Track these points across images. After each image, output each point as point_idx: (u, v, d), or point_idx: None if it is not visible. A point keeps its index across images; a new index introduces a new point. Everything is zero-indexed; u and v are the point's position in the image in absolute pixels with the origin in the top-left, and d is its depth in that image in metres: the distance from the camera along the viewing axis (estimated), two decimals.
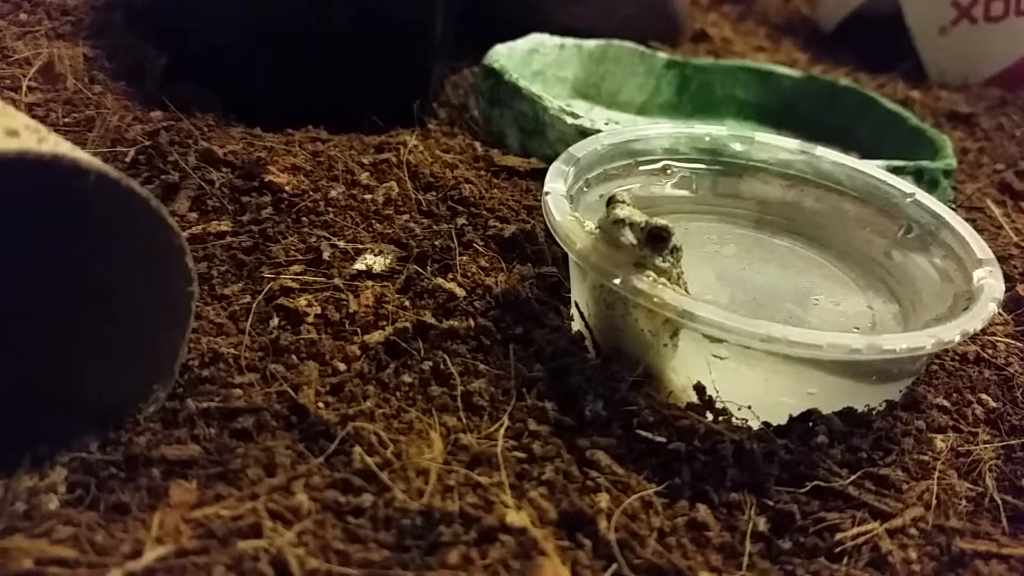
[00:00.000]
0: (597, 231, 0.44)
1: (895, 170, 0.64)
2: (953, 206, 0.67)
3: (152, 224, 0.37)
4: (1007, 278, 0.61)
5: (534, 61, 0.76)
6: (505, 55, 0.72)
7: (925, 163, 0.65)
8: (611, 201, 0.44)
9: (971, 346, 0.53)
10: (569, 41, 0.77)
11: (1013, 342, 0.55)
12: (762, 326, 0.40)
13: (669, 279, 0.43)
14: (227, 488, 0.37)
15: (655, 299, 0.41)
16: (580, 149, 0.53)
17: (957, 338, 0.42)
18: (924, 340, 0.41)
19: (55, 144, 0.33)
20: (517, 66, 0.74)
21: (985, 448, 0.45)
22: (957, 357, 0.53)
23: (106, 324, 0.41)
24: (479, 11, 0.78)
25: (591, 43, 0.78)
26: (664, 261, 0.43)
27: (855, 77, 0.90)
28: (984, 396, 0.49)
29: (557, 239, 0.45)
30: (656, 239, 0.43)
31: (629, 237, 0.43)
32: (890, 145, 0.74)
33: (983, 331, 0.56)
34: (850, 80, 0.89)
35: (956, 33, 0.93)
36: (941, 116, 0.84)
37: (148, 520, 0.34)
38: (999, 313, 0.58)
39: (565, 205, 0.47)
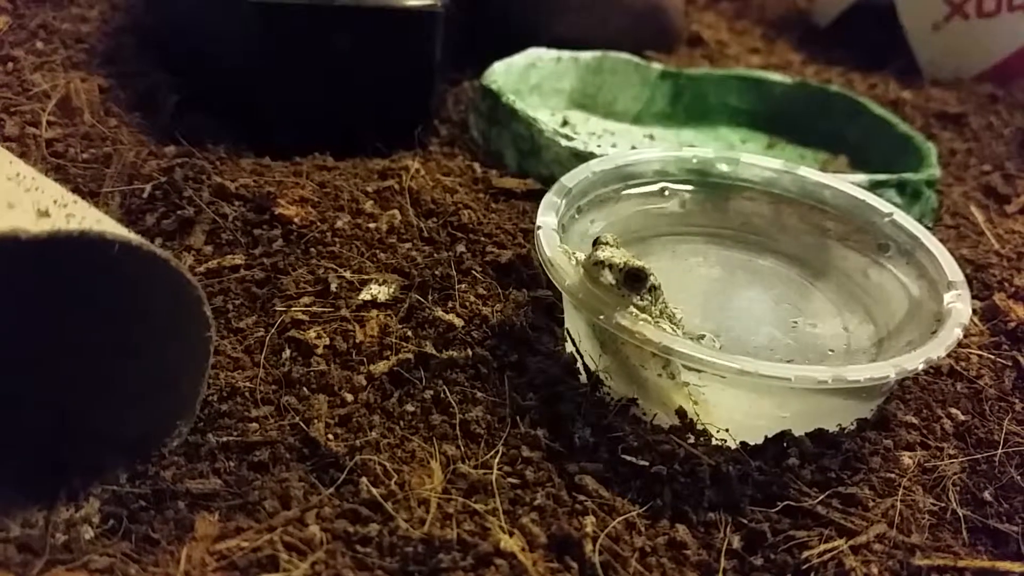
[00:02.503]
0: (581, 270, 0.47)
1: (878, 183, 0.67)
2: (930, 219, 0.69)
3: (173, 279, 0.41)
4: (985, 286, 0.64)
5: (532, 75, 0.78)
6: (503, 72, 0.75)
7: (908, 175, 0.68)
8: (596, 242, 0.47)
9: (945, 360, 0.56)
10: (566, 54, 0.80)
11: (985, 354, 0.57)
12: (736, 360, 0.43)
13: (650, 316, 0.46)
14: (246, 520, 0.40)
15: (637, 335, 0.44)
16: (571, 179, 0.56)
17: (920, 367, 0.45)
18: (887, 370, 0.44)
19: (81, 220, 0.36)
20: (515, 81, 0.77)
21: (951, 463, 0.48)
22: (931, 371, 0.55)
23: (134, 366, 0.45)
24: (479, 26, 0.81)
25: (587, 55, 0.80)
26: (642, 300, 0.46)
27: (848, 77, 0.92)
28: (954, 410, 0.52)
29: (549, 275, 0.48)
30: (633, 280, 0.46)
31: (608, 278, 0.46)
32: (879, 151, 0.77)
33: (957, 343, 0.59)
34: (843, 81, 0.92)
35: (949, 29, 0.95)
36: (931, 116, 0.86)
37: (177, 553, 0.38)
38: (974, 323, 0.61)
39: (556, 239, 0.50)
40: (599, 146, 0.66)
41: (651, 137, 0.79)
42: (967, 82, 0.94)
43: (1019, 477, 0.48)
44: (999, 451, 0.49)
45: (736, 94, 0.81)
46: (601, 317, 0.45)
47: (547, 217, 0.52)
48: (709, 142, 0.80)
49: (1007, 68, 0.95)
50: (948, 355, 0.56)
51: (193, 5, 0.67)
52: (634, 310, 0.46)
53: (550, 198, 0.54)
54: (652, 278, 0.47)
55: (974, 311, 0.62)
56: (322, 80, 0.65)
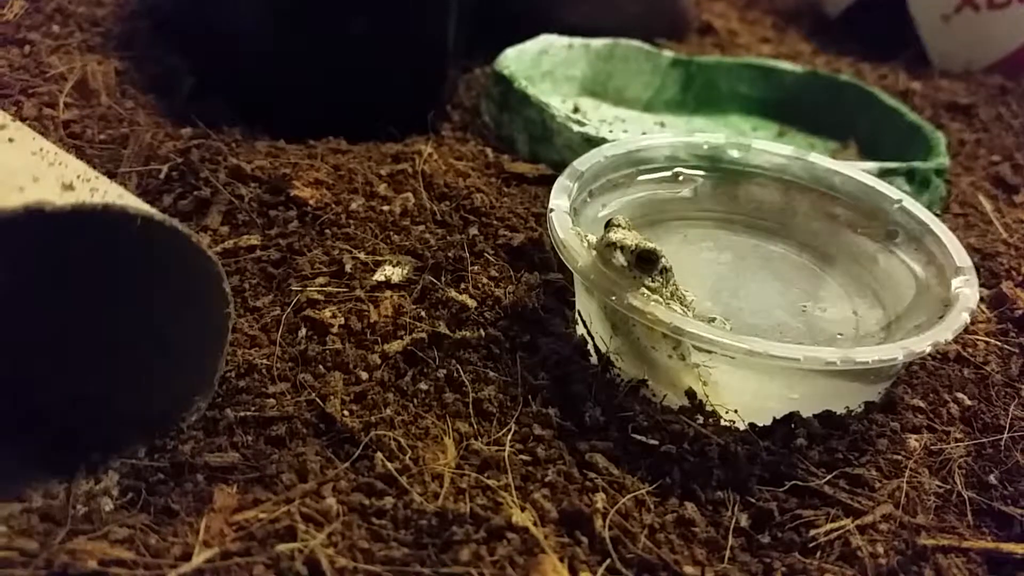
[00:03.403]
0: (593, 252, 0.47)
1: (887, 171, 0.67)
2: (939, 207, 0.70)
3: (194, 255, 0.41)
4: (992, 275, 0.64)
5: (543, 62, 0.79)
6: (515, 59, 0.75)
7: (917, 164, 0.68)
8: (608, 224, 0.48)
9: (952, 345, 0.56)
10: (577, 41, 0.80)
11: (993, 340, 0.58)
12: (746, 341, 0.44)
13: (661, 297, 0.47)
14: (264, 492, 0.41)
15: (648, 315, 0.45)
16: (583, 163, 0.57)
17: (928, 349, 0.45)
18: (896, 352, 0.44)
19: (104, 194, 0.37)
20: (527, 67, 0.77)
21: (957, 447, 0.49)
22: (938, 356, 0.56)
23: (153, 341, 0.45)
24: (491, 12, 0.81)
25: (599, 42, 0.81)
26: (653, 281, 0.47)
27: (858, 68, 0.93)
28: (960, 395, 0.53)
29: (561, 256, 0.49)
30: (645, 261, 0.46)
31: (620, 259, 0.46)
32: (888, 140, 0.77)
33: (964, 329, 0.59)
34: (853, 71, 0.92)
35: (959, 20, 0.95)
36: (940, 107, 0.87)
37: (195, 524, 0.39)
38: (981, 311, 0.61)
39: (568, 222, 0.51)
40: (611, 131, 0.67)
41: (662, 124, 0.80)
42: (977, 73, 0.94)
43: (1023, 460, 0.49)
44: (1004, 435, 0.50)
45: (747, 82, 0.82)
46: (613, 298, 0.46)
47: (560, 200, 0.52)
48: (719, 129, 0.80)
49: (1017, 60, 0.95)
50: (955, 341, 0.57)
51: None
52: (645, 291, 0.46)
53: (562, 181, 0.54)
54: (663, 260, 0.47)
55: (981, 299, 0.62)
56: (336, 65, 0.66)
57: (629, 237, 0.47)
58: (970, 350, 0.57)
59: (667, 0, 0.88)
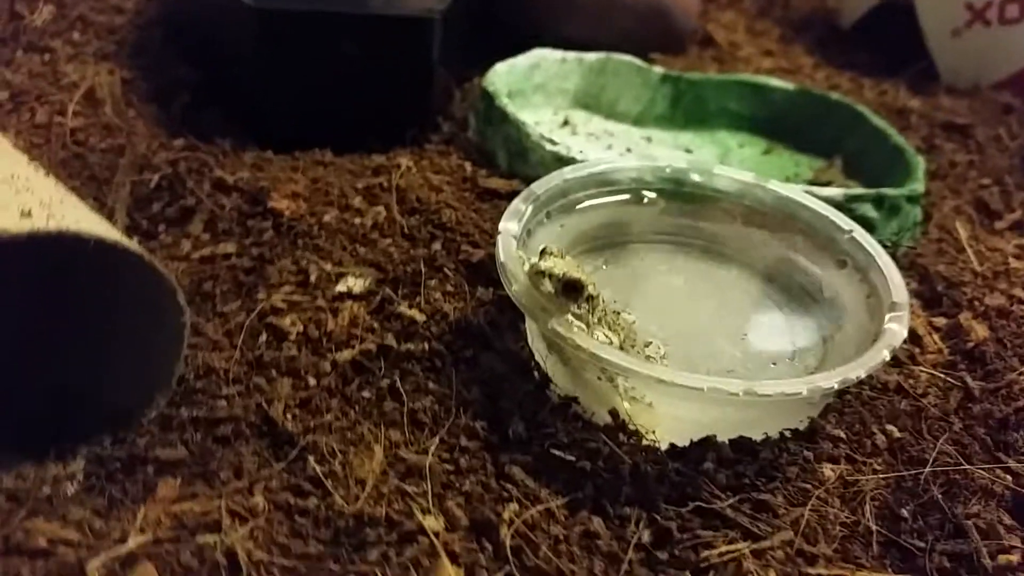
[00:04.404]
0: (526, 278, 0.51)
1: (855, 197, 0.68)
2: (910, 234, 0.70)
3: (149, 272, 0.46)
4: (954, 304, 0.65)
5: (535, 75, 0.81)
6: (505, 73, 0.78)
7: (886, 190, 0.69)
8: (542, 252, 0.51)
9: (893, 375, 0.58)
10: (571, 55, 0.82)
11: (938, 373, 0.59)
12: (655, 369, 0.47)
13: (587, 325, 0.50)
14: (203, 487, 0.46)
15: (568, 341, 0.48)
16: (541, 185, 0.59)
17: (835, 385, 0.47)
18: (800, 387, 0.47)
19: (60, 219, 0.41)
20: (519, 80, 0.80)
21: (873, 478, 0.51)
22: (879, 386, 0.57)
23: (121, 343, 0.50)
24: (487, 26, 0.84)
25: (591, 56, 0.83)
26: (579, 308, 0.50)
27: (858, 82, 0.93)
28: (890, 426, 0.54)
29: (500, 278, 0.52)
30: (570, 290, 0.49)
31: (548, 287, 0.49)
32: (872, 161, 0.78)
33: (911, 360, 0.61)
34: (852, 86, 0.92)
35: (969, 35, 0.95)
36: (937, 126, 0.86)
37: (137, 511, 0.44)
38: (934, 342, 0.63)
39: (512, 245, 0.54)
40: (580, 151, 0.69)
41: (649, 139, 0.82)
42: (984, 90, 0.94)
43: (940, 496, 0.50)
44: (926, 469, 0.51)
45: (736, 99, 0.83)
46: (540, 322, 0.49)
47: (509, 223, 0.55)
48: (706, 145, 0.82)
49: None
50: (897, 372, 0.59)
51: (205, 7, 0.72)
52: (570, 318, 0.49)
53: (516, 204, 0.57)
54: (590, 288, 0.50)
55: (939, 329, 0.64)
56: (324, 82, 0.69)
57: (558, 265, 0.50)
58: (911, 381, 0.58)
59: (660, 15, 0.89)
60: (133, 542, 0.42)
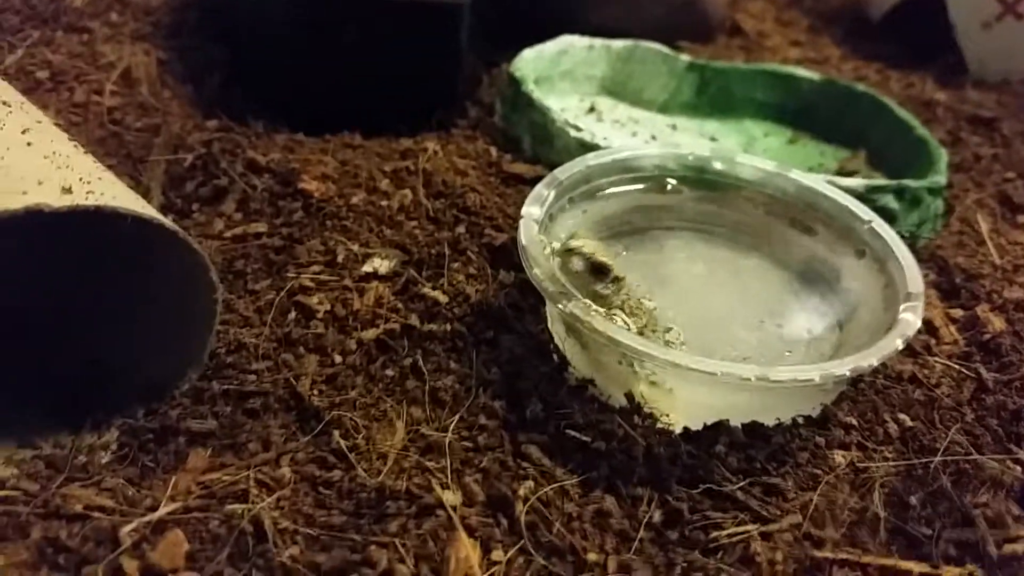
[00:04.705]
0: (555, 257, 0.52)
1: (876, 188, 0.69)
2: (931, 226, 0.71)
3: (183, 249, 0.48)
4: (972, 296, 0.66)
5: (563, 61, 0.82)
6: (533, 59, 0.79)
7: (907, 181, 0.69)
8: (573, 235, 0.52)
9: (907, 365, 0.59)
10: (598, 42, 0.83)
11: (952, 364, 0.60)
12: (670, 353, 0.48)
13: (610, 305, 0.51)
14: (232, 458, 0.48)
15: (587, 324, 0.49)
16: (564, 171, 0.60)
17: (847, 373, 0.48)
18: (812, 373, 0.48)
19: (99, 196, 0.43)
20: (547, 67, 0.81)
21: (884, 465, 0.52)
22: (893, 375, 0.58)
23: (154, 318, 0.52)
24: (518, 13, 0.85)
25: (619, 43, 0.84)
26: (605, 288, 0.51)
27: (885, 75, 0.93)
28: (902, 415, 0.55)
29: (521, 261, 0.53)
30: (598, 270, 0.51)
31: (577, 265, 0.51)
32: (896, 153, 0.78)
33: (927, 350, 0.61)
34: (880, 78, 0.92)
35: (1000, 29, 0.94)
36: (963, 119, 0.86)
37: (168, 480, 0.46)
38: (951, 333, 0.63)
39: (534, 229, 0.55)
40: (605, 138, 0.70)
41: (674, 127, 0.82)
42: (1013, 84, 0.93)
43: (949, 485, 0.51)
44: (937, 458, 0.52)
45: (762, 88, 0.83)
46: (560, 305, 0.50)
47: (532, 207, 0.57)
48: (732, 134, 0.83)
49: None
50: (912, 362, 0.59)
51: None
52: (589, 302, 0.50)
53: (539, 189, 0.58)
54: (614, 272, 0.51)
55: (956, 321, 0.64)
56: (355, 65, 0.71)
57: (588, 246, 0.51)
58: (926, 371, 0.59)
59: (693, 4, 0.90)
60: (164, 510, 0.44)
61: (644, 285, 0.59)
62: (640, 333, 0.53)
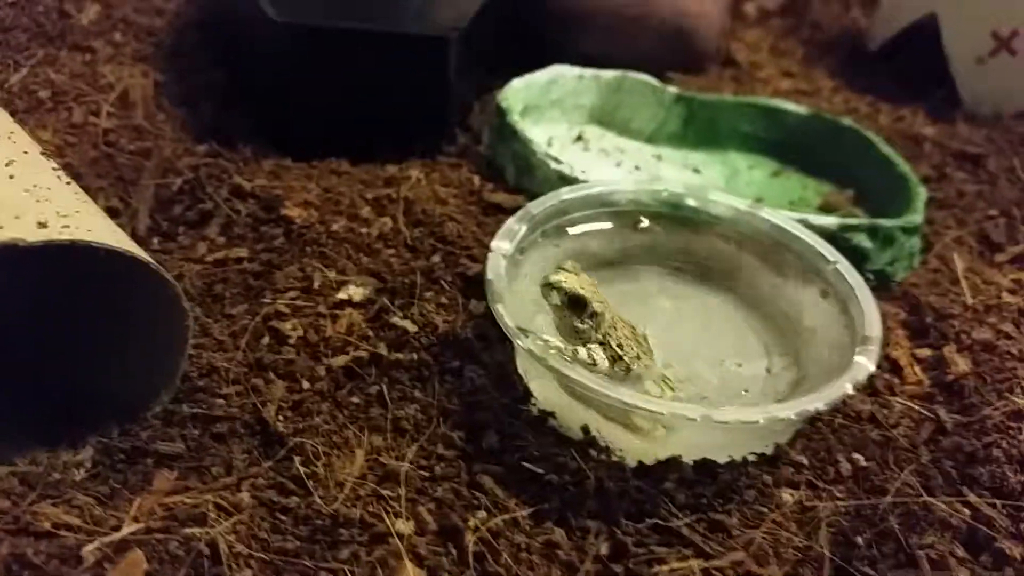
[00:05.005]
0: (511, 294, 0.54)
1: (849, 227, 0.70)
2: (906, 265, 0.71)
3: (155, 278, 0.50)
4: (941, 336, 0.66)
5: (553, 91, 0.84)
6: (522, 88, 0.81)
7: (881, 221, 0.70)
8: (558, 268, 0.54)
9: (867, 405, 0.60)
10: (588, 72, 0.85)
11: (913, 404, 0.60)
12: (621, 392, 0.49)
13: (587, 340, 0.53)
14: (196, 481, 0.50)
15: (541, 361, 0.51)
16: (537, 205, 0.62)
17: (792, 416, 0.50)
18: (756, 416, 0.49)
19: (75, 230, 0.45)
20: (536, 96, 0.83)
21: (831, 504, 0.53)
22: (852, 414, 0.59)
23: (131, 341, 0.55)
24: (510, 42, 0.87)
25: (608, 74, 0.85)
26: (583, 323, 0.53)
27: (876, 107, 0.93)
28: (856, 455, 0.56)
29: (486, 296, 0.55)
30: (576, 305, 0.53)
31: (556, 299, 0.53)
32: (878, 189, 0.79)
33: (889, 390, 0.62)
34: (870, 111, 0.93)
35: (994, 64, 0.94)
36: (949, 155, 0.87)
37: (133, 501, 0.48)
38: (915, 374, 0.64)
39: (501, 265, 0.56)
40: (583, 171, 0.71)
41: (659, 157, 0.84)
42: (1006, 119, 0.94)
43: (897, 525, 0.52)
44: (887, 499, 0.53)
45: (748, 121, 0.84)
46: (518, 341, 0.52)
47: (501, 242, 0.58)
48: (716, 165, 0.84)
49: None
50: (872, 402, 0.60)
51: (235, 17, 0.76)
52: (548, 339, 0.52)
53: (510, 224, 0.60)
54: (595, 306, 0.53)
55: (922, 361, 0.65)
56: (343, 94, 0.73)
57: (569, 280, 0.53)
58: (885, 411, 0.60)
59: (681, 34, 0.91)
60: (126, 530, 0.46)
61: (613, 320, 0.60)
62: (613, 367, 0.54)
